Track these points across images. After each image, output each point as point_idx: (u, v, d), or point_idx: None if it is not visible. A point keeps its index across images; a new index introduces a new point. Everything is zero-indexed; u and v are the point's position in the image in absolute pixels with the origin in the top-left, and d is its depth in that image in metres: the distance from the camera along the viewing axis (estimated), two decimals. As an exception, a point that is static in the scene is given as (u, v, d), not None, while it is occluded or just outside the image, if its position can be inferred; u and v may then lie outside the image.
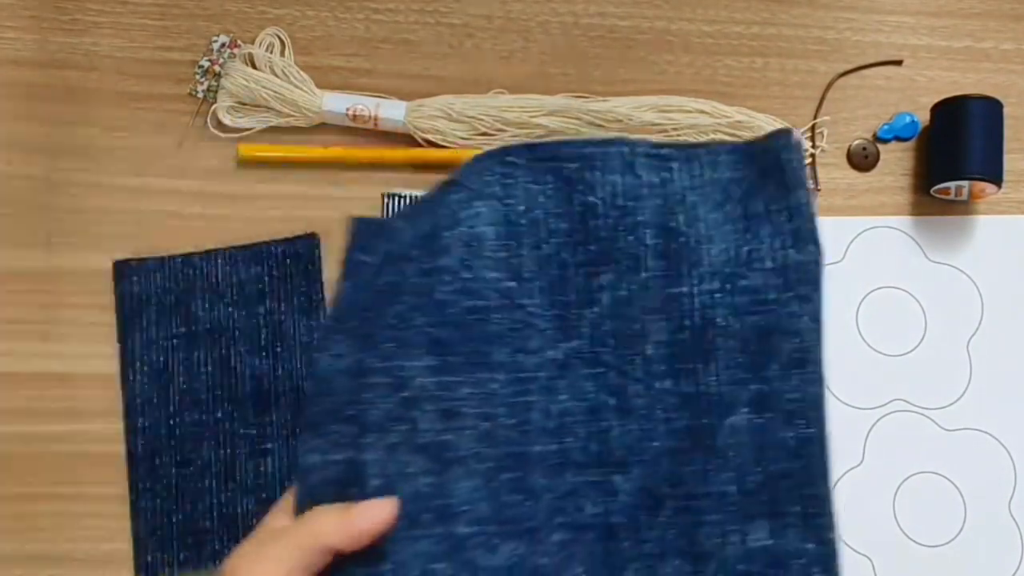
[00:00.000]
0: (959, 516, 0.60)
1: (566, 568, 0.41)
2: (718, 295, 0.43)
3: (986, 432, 0.61)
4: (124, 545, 0.59)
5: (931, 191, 0.63)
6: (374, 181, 0.63)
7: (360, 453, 0.41)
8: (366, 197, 0.62)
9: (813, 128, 0.65)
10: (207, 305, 0.60)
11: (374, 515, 0.39)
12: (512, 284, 0.43)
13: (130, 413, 0.59)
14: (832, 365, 0.61)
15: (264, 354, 0.60)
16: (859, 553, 0.59)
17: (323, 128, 0.64)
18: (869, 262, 0.63)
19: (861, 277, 0.63)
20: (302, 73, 0.63)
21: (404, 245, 0.44)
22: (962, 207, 0.64)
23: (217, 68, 0.64)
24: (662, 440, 0.42)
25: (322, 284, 0.61)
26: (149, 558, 0.58)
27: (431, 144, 0.63)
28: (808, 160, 0.64)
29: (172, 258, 0.61)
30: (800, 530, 0.42)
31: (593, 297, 0.43)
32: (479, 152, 0.45)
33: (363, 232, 0.45)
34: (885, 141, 0.65)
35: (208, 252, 0.61)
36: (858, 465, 0.60)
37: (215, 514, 0.58)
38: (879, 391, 0.62)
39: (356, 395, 0.41)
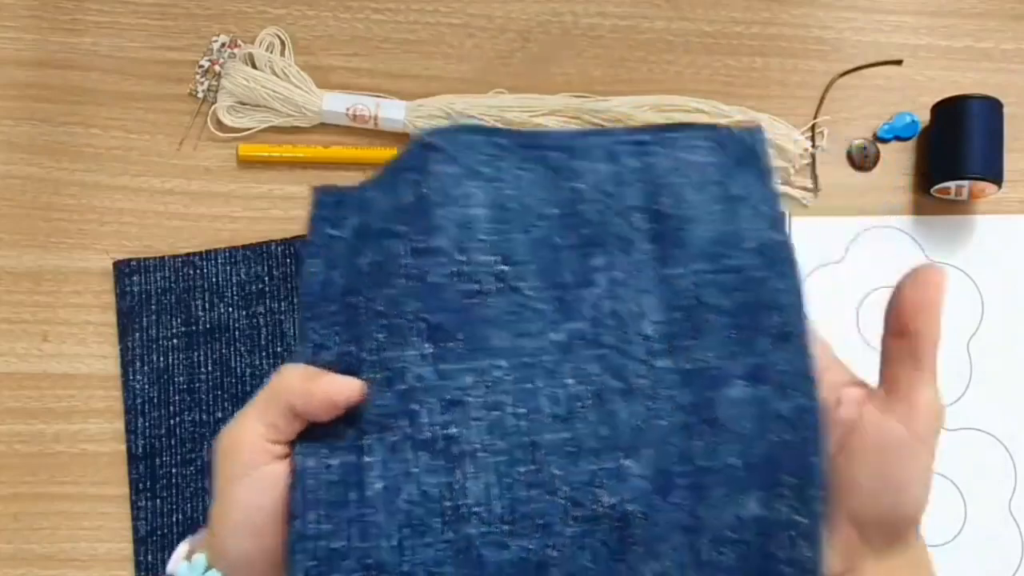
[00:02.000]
0: (959, 516, 0.60)
1: (574, 559, 0.40)
2: (708, 275, 0.43)
3: (986, 432, 0.61)
4: (124, 545, 0.59)
5: (931, 191, 0.63)
6: (374, 181, 0.63)
7: (359, 456, 0.39)
8: (366, 197, 0.62)
9: (813, 128, 0.65)
10: (207, 305, 0.60)
11: (338, 388, 0.37)
12: (505, 268, 0.42)
13: (130, 413, 0.59)
14: (832, 365, 0.61)
15: (264, 353, 0.60)
16: (859, 553, 0.59)
17: (323, 128, 0.64)
18: (869, 262, 0.63)
19: (861, 277, 0.63)
20: (302, 73, 0.63)
21: (384, 217, 0.42)
22: (962, 207, 0.64)
23: (217, 68, 0.64)
24: (668, 418, 0.42)
25: (322, 284, 0.61)
26: (149, 558, 0.58)
27: (431, 144, 0.63)
28: (808, 160, 0.64)
29: (172, 258, 0.61)
30: (792, 501, 0.43)
31: (590, 278, 0.42)
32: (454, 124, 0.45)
33: (328, 203, 0.44)
34: (885, 141, 0.65)
35: (208, 252, 0.61)
36: (858, 465, 0.60)
37: None
38: (879, 391, 0.62)
39: None
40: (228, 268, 0.60)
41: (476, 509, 0.39)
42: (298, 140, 0.63)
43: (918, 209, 0.64)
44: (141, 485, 0.59)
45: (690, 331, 0.43)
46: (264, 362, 0.60)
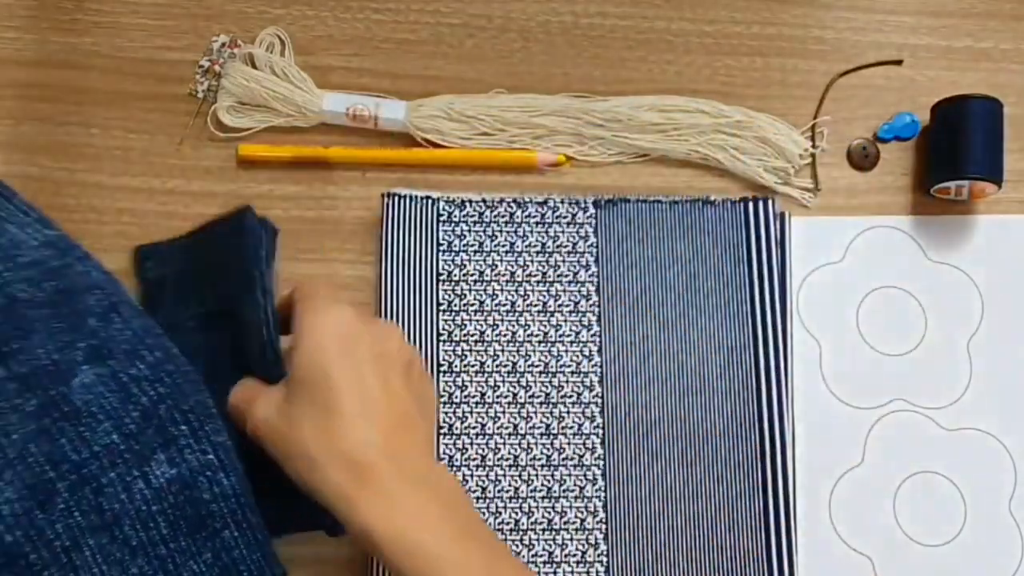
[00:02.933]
0: (959, 516, 0.60)
1: None
2: (7, 273, 0.44)
3: (986, 432, 0.61)
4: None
5: (931, 191, 0.63)
6: (374, 181, 0.63)
7: None
8: (366, 197, 0.62)
9: (813, 128, 0.65)
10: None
11: None
12: None
13: None
14: (832, 365, 0.61)
15: None
16: (859, 553, 0.59)
17: (323, 128, 0.64)
18: (869, 262, 0.63)
19: (861, 277, 0.63)
20: (302, 73, 0.63)
21: None
22: (962, 207, 0.64)
23: (217, 68, 0.64)
24: (21, 429, 0.40)
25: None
26: None
27: (431, 144, 0.63)
28: (808, 160, 0.64)
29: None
30: (197, 444, 0.43)
31: None
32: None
33: None
34: (885, 141, 0.65)
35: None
36: (858, 465, 0.60)
37: None
38: (879, 391, 0.62)
39: None
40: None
41: None
42: (298, 140, 0.63)
43: (918, 209, 0.64)
44: None
45: (15, 332, 0.42)
46: None
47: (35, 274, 0.44)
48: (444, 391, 0.59)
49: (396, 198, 0.61)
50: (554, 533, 0.57)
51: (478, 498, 0.58)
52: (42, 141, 0.63)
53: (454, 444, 0.58)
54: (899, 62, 0.66)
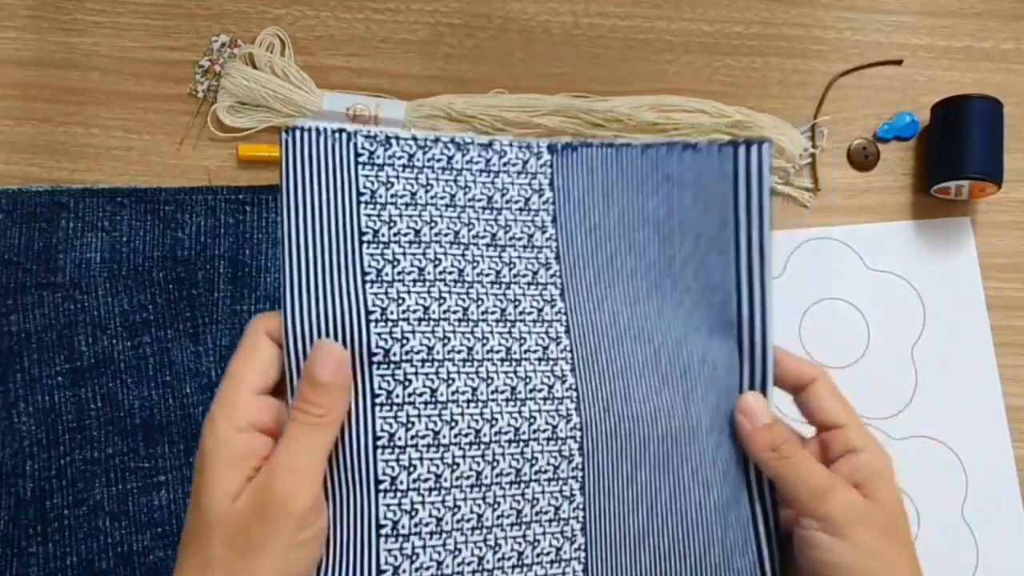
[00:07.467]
0: (913, 524, 0.60)
1: None
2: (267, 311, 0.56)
3: (935, 439, 0.61)
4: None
5: (931, 191, 0.63)
6: (374, 181, 0.63)
7: None
8: (366, 197, 0.62)
9: (813, 128, 0.65)
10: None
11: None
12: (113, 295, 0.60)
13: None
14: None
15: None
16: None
17: (323, 128, 0.64)
18: (809, 274, 0.63)
19: (802, 290, 0.62)
20: (302, 73, 0.63)
21: (15, 251, 0.60)
22: (962, 206, 0.65)
23: (217, 68, 0.64)
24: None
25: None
26: None
27: (431, 144, 0.63)
28: (808, 160, 0.64)
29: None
30: None
31: (180, 308, 0.60)
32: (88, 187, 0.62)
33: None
34: (885, 141, 0.65)
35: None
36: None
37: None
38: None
39: None
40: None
41: None
42: (298, 140, 0.63)
43: (918, 209, 0.64)
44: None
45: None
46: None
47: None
48: (380, 389, 0.41)
49: (299, 133, 0.43)
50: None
51: (432, 532, 0.42)
52: (42, 141, 0.63)
53: (396, 461, 0.41)
54: (899, 62, 0.66)
